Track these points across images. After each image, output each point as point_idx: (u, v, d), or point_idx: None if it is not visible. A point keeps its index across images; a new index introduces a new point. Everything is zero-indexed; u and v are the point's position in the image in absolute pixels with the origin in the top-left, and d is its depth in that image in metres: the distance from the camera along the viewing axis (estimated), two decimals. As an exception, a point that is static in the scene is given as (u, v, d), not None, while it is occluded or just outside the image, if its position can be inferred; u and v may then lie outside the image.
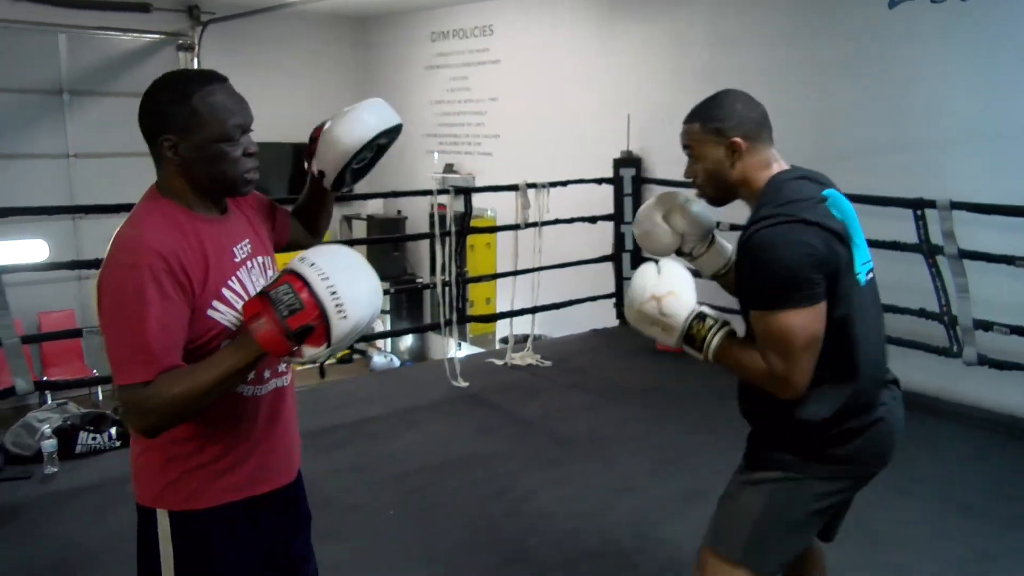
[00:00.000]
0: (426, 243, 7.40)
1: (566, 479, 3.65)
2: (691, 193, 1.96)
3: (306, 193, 1.88)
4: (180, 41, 8.40)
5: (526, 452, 3.96)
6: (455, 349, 5.28)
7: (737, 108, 1.76)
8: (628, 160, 6.07)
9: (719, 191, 1.82)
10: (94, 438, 3.74)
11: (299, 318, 1.32)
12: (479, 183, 7.66)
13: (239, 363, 1.38)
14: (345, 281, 1.36)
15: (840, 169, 4.91)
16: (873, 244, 4.52)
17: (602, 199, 5.99)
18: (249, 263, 1.57)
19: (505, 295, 5.80)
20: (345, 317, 1.34)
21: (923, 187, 4.42)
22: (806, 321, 1.62)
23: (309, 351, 1.36)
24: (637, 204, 5.99)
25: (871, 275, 1.81)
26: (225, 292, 1.50)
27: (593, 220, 5.77)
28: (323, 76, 9.15)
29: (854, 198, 4.64)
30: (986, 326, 4.20)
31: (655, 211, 2.03)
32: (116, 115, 8.15)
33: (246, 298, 1.51)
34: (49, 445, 3.52)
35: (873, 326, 1.78)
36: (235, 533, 1.59)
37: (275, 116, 8.91)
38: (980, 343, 4.24)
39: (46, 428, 3.61)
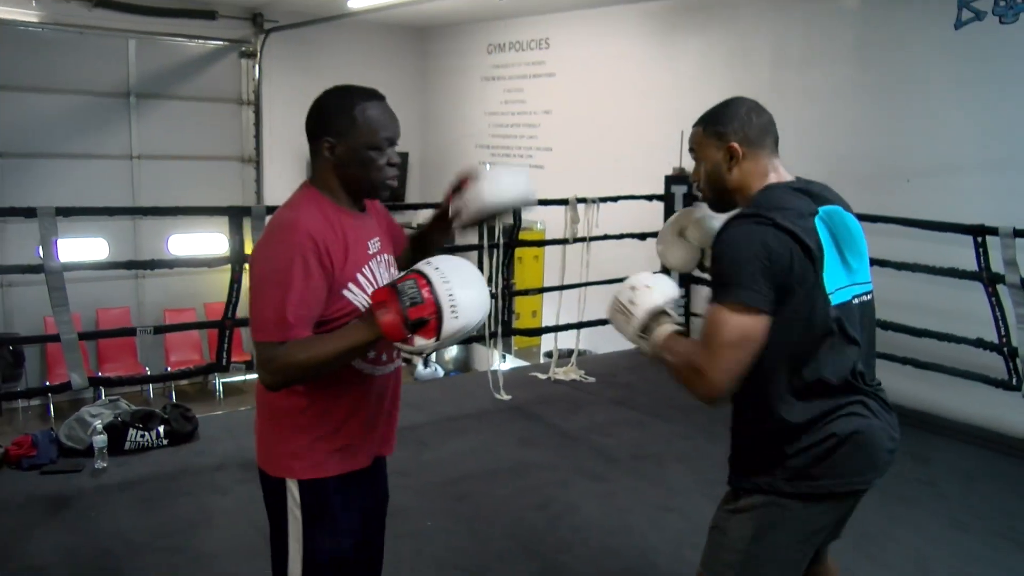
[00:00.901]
0: (474, 254, 7.48)
1: (610, 494, 3.62)
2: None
3: (432, 223, 2.04)
4: (243, 48, 8.61)
5: (570, 465, 3.94)
6: (499, 361, 5.28)
7: (740, 114, 1.79)
8: (679, 177, 6.02)
9: (717, 195, 1.83)
10: (142, 435, 3.82)
11: (418, 310, 1.53)
12: (530, 195, 7.66)
13: (358, 341, 1.59)
14: (461, 287, 1.56)
15: (901, 191, 4.91)
16: (929, 271, 4.49)
17: (652, 216, 5.94)
18: (379, 257, 1.79)
19: (552, 309, 5.79)
20: (456, 317, 1.55)
21: (985, 211, 4.30)
22: (741, 321, 1.60)
23: (420, 342, 1.55)
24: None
25: (865, 297, 1.77)
26: (359, 277, 1.71)
27: (642, 237, 5.71)
28: (382, 85, 8.97)
29: (914, 223, 4.60)
30: (1049, 358, 4.06)
31: (672, 227, 2.08)
32: (179, 118, 8.40)
33: (375, 285, 1.73)
34: (100, 440, 3.60)
35: (849, 343, 1.71)
36: (349, 499, 1.79)
37: (334, 124, 9.07)
38: (1042, 375, 4.09)
39: (97, 424, 3.70)
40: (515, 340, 8.40)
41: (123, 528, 3.18)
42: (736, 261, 1.62)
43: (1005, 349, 4.17)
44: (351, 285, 1.69)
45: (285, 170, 8.93)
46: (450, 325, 1.54)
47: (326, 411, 1.73)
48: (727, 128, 1.78)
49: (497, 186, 1.93)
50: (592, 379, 5.30)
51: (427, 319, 1.53)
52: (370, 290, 1.71)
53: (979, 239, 4.23)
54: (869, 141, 5.21)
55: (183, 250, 8.26)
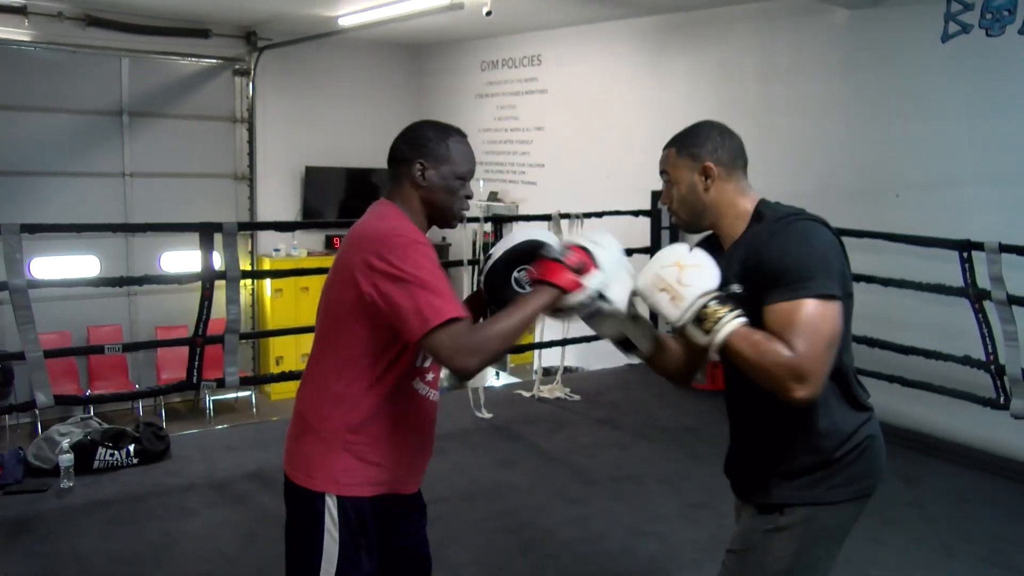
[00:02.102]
0: (463, 270, 7.43)
1: (586, 518, 3.54)
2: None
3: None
4: (236, 66, 8.62)
5: (548, 488, 3.86)
6: (491, 379, 5.21)
7: (712, 135, 1.78)
8: (669, 192, 5.96)
9: (692, 215, 1.81)
10: (112, 454, 3.77)
11: (572, 256, 1.70)
12: (523, 212, 7.63)
13: (542, 303, 1.68)
14: (584, 233, 1.83)
15: (889, 206, 4.84)
16: (916, 287, 4.41)
17: (639, 231, 5.89)
18: None
19: (540, 326, 5.72)
20: (602, 247, 1.73)
21: (972, 226, 4.22)
22: (834, 314, 1.57)
23: (589, 279, 1.69)
24: (675, 237, 5.86)
25: None
26: None
27: (629, 253, 5.63)
28: (376, 103, 9.24)
29: (900, 238, 4.52)
30: (1040, 377, 3.95)
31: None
32: (172, 136, 8.39)
33: None
34: (66, 460, 3.55)
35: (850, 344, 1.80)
36: (384, 520, 1.81)
37: (328, 141, 9.09)
38: (1033, 395, 3.99)
39: (65, 443, 3.64)
40: (510, 357, 8.36)
41: (82, 553, 3.11)
42: (815, 254, 1.60)
43: (992, 367, 4.07)
44: None
45: (278, 187, 8.92)
46: (599, 254, 1.71)
47: (379, 429, 1.75)
48: (701, 149, 1.76)
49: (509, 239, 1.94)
50: (577, 397, 5.23)
51: (584, 262, 1.69)
52: None
53: (965, 255, 4.14)
54: (858, 155, 5.14)
55: (176, 267, 8.23)
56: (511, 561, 3.16)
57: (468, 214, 2.14)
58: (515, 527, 3.44)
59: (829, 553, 1.76)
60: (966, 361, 4.20)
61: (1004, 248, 3.95)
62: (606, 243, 1.74)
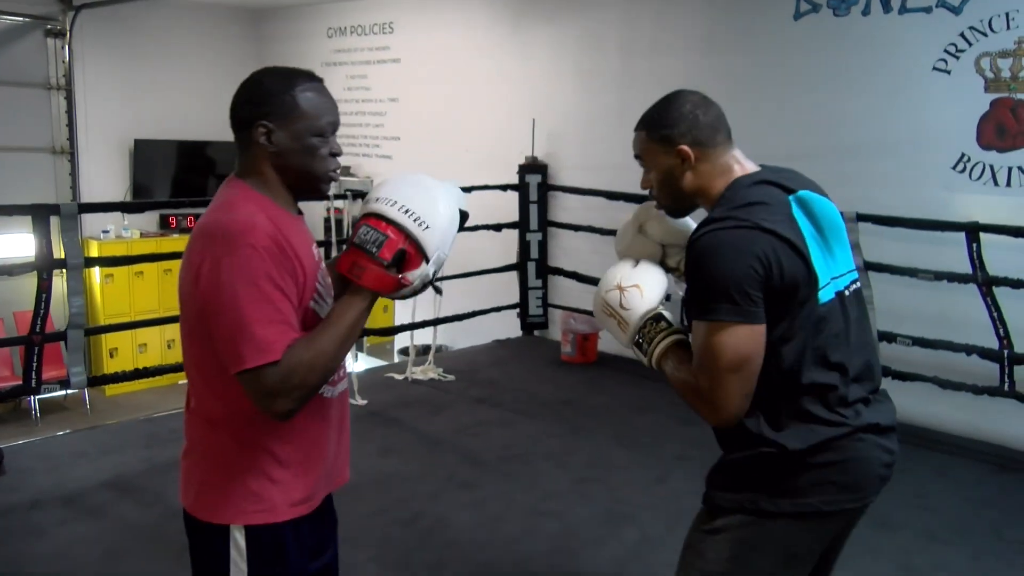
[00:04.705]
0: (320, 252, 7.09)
1: (481, 502, 3.44)
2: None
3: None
4: (49, 26, 7.72)
5: (437, 473, 3.72)
6: (352, 362, 4.98)
7: (685, 112, 1.64)
8: (533, 166, 5.92)
9: (674, 201, 1.70)
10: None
11: (389, 247, 1.42)
12: (378, 187, 7.37)
13: (358, 310, 1.44)
14: (413, 197, 1.46)
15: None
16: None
17: (507, 206, 5.82)
18: (322, 265, 1.59)
19: (405, 305, 5.53)
20: (428, 227, 1.44)
21: (832, 197, 4.44)
22: (737, 340, 1.47)
23: (414, 274, 1.44)
24: (543, 211, 5.84)
25: (853, 287, 1.66)
26: (319, 286, 1.52)
27: (498, 228, 5.58)
28: (212, 71, 8.57)
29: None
30: (889, 337, 4.24)
31: (631, 224, 1.87)
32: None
33: (329, 296, 1.56)
34: None
35: (846, 345, 1.60)
36: (302, 541, 1.58)
37: (160, 112, 8.37)
38: (884, 354, 4.27)
39: None
40: (366, 339, 8.10)
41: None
42: (720, 274, 1.48)
43: (852, 330, 4.33)
44: (315, 296, 1.50)
45: (104, 162, 8.13)
46: (428, 238, 1.44)
47: (276, 444, 1.50)
48: (673, 131, 1.63)
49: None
50: (452, 377, 5.11)
51: (403, 249, 1.43)
52: (330, 301, 1.55)
53: (825, 224, 4.35)
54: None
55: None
56: (411, 554, 3.02)
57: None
58: (409, 518, 3.29)
59: (774, 566, 1.60)
60: (827, 325, 4.43)
61: (861, 217, 4.19)
62: (431, 214, 1.46)
